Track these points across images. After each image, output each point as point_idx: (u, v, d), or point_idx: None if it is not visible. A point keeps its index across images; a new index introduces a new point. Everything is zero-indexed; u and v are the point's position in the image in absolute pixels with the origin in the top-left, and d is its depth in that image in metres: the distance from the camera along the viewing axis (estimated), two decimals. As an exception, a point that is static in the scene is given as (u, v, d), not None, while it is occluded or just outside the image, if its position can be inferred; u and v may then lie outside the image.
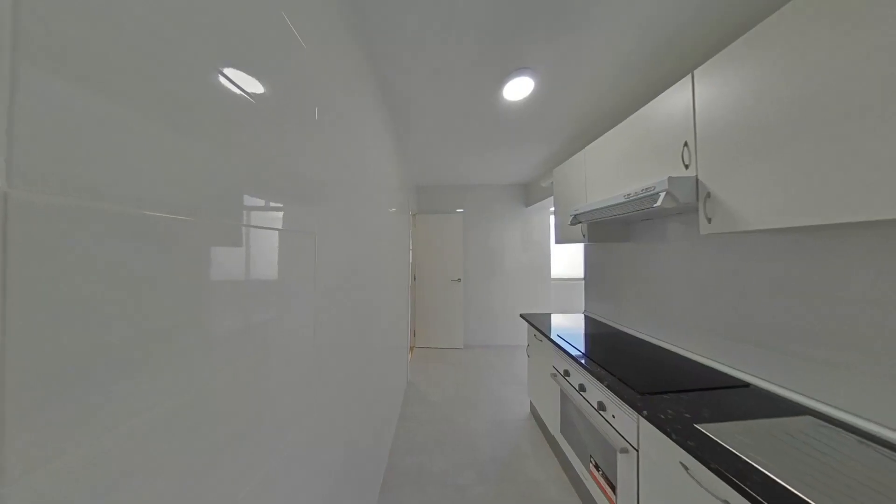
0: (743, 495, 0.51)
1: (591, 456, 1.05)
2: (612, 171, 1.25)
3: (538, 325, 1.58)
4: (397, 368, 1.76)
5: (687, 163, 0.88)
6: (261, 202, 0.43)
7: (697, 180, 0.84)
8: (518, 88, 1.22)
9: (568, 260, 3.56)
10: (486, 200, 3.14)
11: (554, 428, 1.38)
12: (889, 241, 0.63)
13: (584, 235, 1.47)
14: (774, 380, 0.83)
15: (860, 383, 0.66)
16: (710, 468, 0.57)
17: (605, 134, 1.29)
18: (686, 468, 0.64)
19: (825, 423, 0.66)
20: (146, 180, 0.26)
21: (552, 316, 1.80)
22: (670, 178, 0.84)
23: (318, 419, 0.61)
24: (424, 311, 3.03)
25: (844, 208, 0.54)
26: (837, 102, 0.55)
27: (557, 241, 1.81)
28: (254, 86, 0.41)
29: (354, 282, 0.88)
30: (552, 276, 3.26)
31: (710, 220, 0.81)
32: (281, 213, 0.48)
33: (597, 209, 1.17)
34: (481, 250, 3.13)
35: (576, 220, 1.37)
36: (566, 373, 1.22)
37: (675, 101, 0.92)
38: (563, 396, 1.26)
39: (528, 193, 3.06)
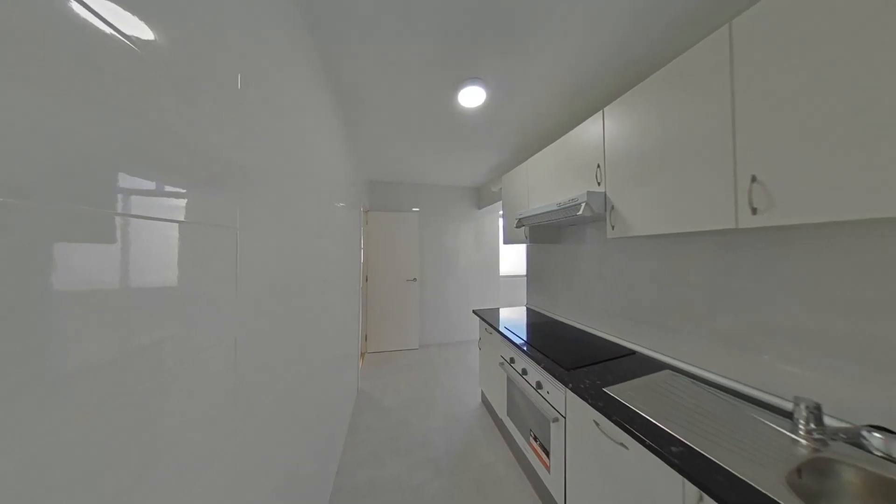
0: (631, 436, 0.67)
1: (531, 430, 1.20)
2: (548, 182, 1.46)
3: (489, 320, 1.71)
4: (346, 378, 1.62)
5: (599, 181, 1.10)
6: (149, 185, 0.33)
7: (606, 195, 1.06)
8: (472, 96, 1.28)
9: (514, 258, 3.97)
10: (442, 201, 3.20)
11: (501, 412, 1.52)
12: (709, 244, 0.93)
13: (526, 237, 1.67)
14: (649, 346, 1.13)
15: (693, 343, 0.97)
16: (612, 420, 0.73)
17: (543, 150, 1.49)
18: (597, 424, 0.80)
19: (677, 374, 0.94)
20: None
21: (500, 310, 1.97)
22: (588, 192, 1.04)
23: (241, 454, 0.51)
24: (377, 313, 2.88)
25: (684, 222, 0.77)
26: (681, 148, 0.78)
27: (505, 242, 1.99)
28: (137, 28, 0.31)
29: (292, 285, 0.76)
30: (501, 274, 3.57)
31: (613, 227, 1.03)
32: (184, 201, 0.38)
33: (536, 214, 1.34)
34: (437, 249, 3.18)
35: (520, 223, 1.54)
36: (512, 360, 1.36)
37: (591, 129, 1.14)
38: (510, 382, 1.40)
39: (481, 197, 3.26)
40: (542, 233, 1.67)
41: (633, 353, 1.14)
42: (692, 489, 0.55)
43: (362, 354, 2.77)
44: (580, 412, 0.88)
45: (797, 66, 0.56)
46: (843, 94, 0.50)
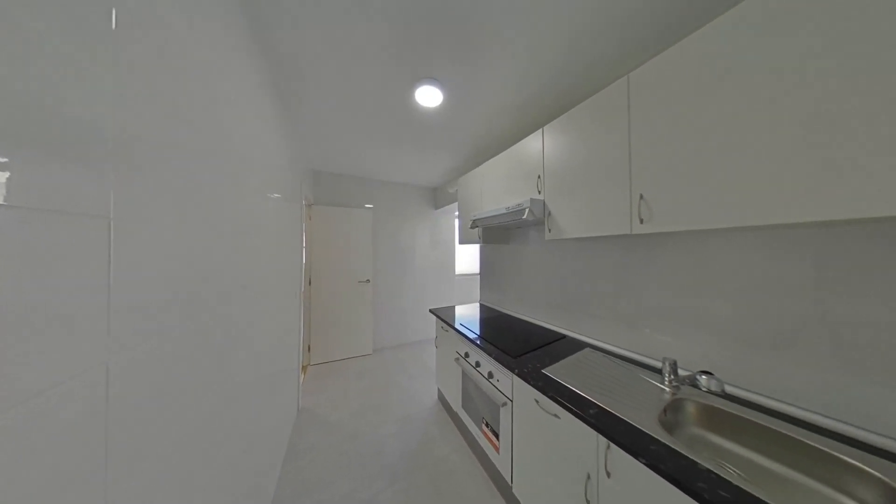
0: (562, 406, 0.79)
1: (483, 417, 1.28)
2: (499, 187, 1.58)
3: (444, 318, 1.75)
4: (282, 398, 1.40)
5: (539, 189, 1.26)
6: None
7: (544, 203, 1.22)
8: (429, 96, 1.29)
9: (468, 258, 4.17)
10: (398, 199, 3.11)
11: (457, 405, 1.58)
12: (615, 246, 1.18)
13: (479, 238, 1.78)
14: (576, 330, 1.36)
15: (604, 324, 1.21)
16: (548, 396, 0.84)
17: (496, 157, 1.61)
18: (537, 402, 0.92)
19: (595, 350, 1.16)
20: None
21: (456, 308, 2.05)
22: (531, 199, 1.18)
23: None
24: (324, 319, 2.59)
25: (599, 228, 0.96)
26: (597, 167, 0.96)
27: (461, 242, 2.07)
28: None
29: (205, 293, 0.61)
30: (456, 273, 3.71)
31: (549, 231, 1.20)
32: (3, 175, 0.26)
33: (488, 216, 1.44)
34: (393, 249, 3.07)
35: (474, 224, 1.63)
36: (466, 354, 1.43)
37: (534, 144, 1.30)
38: (464, 375, 1.47)
39: (437, 197, 3.31)
40: (493, 234, 1.80)
41: (564, 336, 1.35)
42: (603, 440, 0.69)
43: (304, 368, 2.45)
44: (524, 393, 0.99)
45: (662, 115, 0.77)
46: (687, 140, 0.72)
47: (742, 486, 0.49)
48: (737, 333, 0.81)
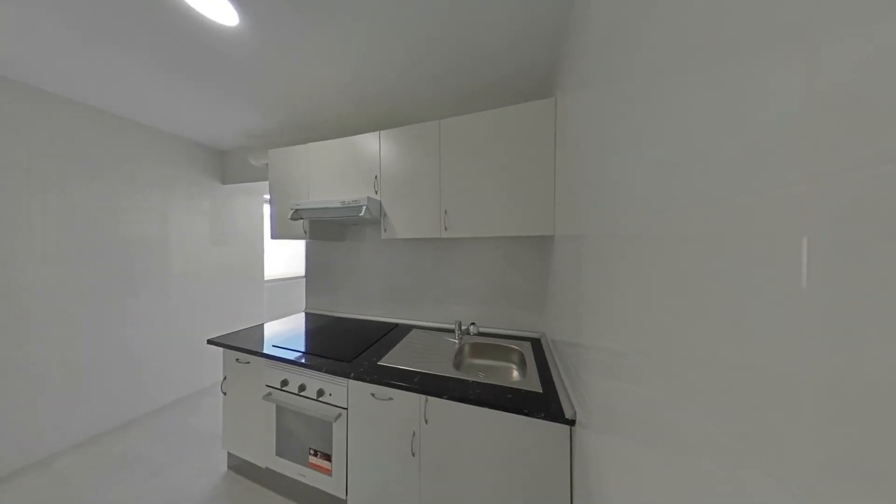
0: (393, 387, 0.89)
1: (310, 448, 1.07)
2: (333, 177, 1.40)
3: (242, 346, 1.21)
4: None
5: (377, 189, 1.30)
6: None
7: (381, 203, 1.29)
8: (211, 1, 0.81)
9: (288, 258, 3.24)
10: (126, 148, 1.60)
11: (267, 458, 1.17)
12: (432, 246, 1.55)
13: (305, 232, 1.45)
14: (405, 317, 1.59)
15: (425, 308, 1.55)
16: (381, 383, 0.90)
17: (330, 141, 1.41)
18: (373, 395, 0.95)
19: (419, 330, 1.43)
20: None
21: (266, 326, 1.50)
22: (369, 198, 1.18)
23: None
24: None
25: (420, 231, 1.21)
26: (420, 182, 1.21)
27: (275, 237, 1.55)
28: None
29: None
30: (267, 278, 2.72)
31: (385, 230, 1.29)
32: None
33: (319, 208, 1.23)
34: (97, 243, 1.52)
35: (297, 215, 1.30)
36: (284, 383, 1.10)
37: (371, 144, 1.31)
38: (279, 412, 1.12)
39: (229, 166, 2.18)
40: (324, 229, 1.56)
41: (397, 325, 1.53)
42: (423, 398, 0.88)
43: None
44: (360, 393, 0.97)
45: (455, 159, 1.15)
46: (465, 180, 1.13)
47: (482, 381, 0.88)
48: (483, 297, 1.43)
